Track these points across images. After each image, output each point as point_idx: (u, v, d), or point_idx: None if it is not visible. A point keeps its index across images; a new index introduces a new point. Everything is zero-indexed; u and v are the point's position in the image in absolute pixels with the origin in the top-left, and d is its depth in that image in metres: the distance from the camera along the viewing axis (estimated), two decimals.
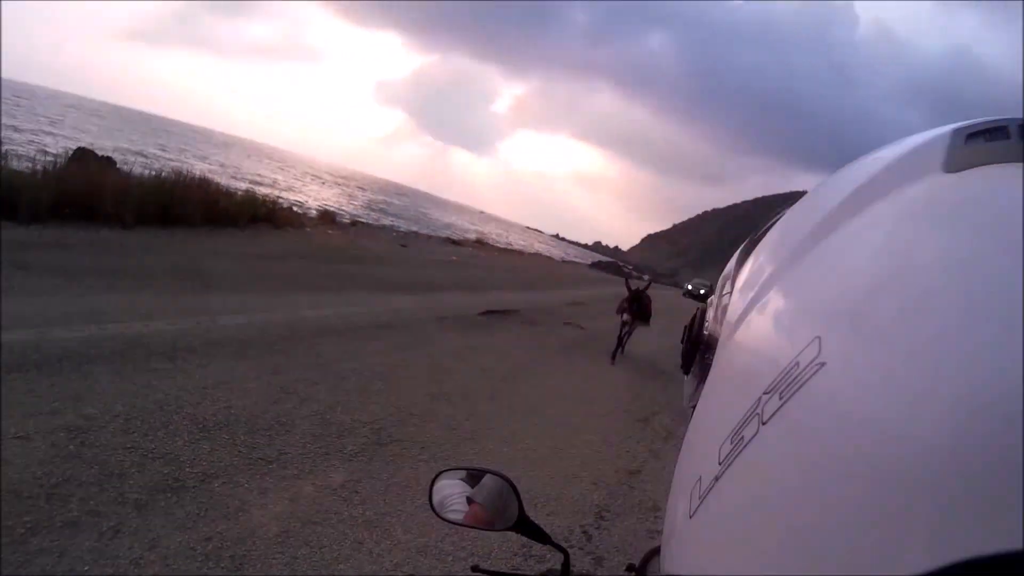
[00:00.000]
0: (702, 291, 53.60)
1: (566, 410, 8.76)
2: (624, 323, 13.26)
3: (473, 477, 1.55)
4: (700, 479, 0.57)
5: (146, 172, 13.49)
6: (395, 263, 17.48)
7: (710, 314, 0.74)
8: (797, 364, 0.49)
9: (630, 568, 1.48)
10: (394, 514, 4.75)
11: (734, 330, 0.66)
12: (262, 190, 18.94)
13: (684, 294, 57.49)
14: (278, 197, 18.57)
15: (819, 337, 0.49)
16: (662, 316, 15.16)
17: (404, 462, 5.67)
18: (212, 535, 3.83)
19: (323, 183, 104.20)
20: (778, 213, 0.85)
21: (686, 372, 0.75)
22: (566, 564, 1.49)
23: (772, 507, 0.45)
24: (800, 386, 0.47)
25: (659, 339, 17.12)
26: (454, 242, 32.41)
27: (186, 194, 13.17)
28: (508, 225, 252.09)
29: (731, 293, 0.72)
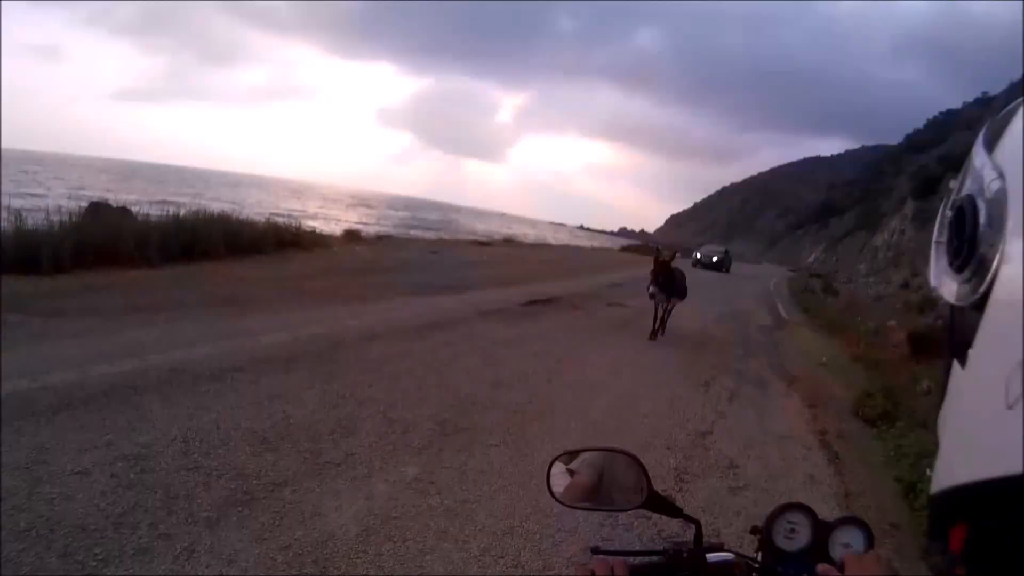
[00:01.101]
0: (715, 259, 48.62)
1: (625, 383, 8.73)
2: (651, 296, 12.38)
3: (589, 460, 1.47)
4: (1021, 363, 0.54)
5: (162, 216, 13.47)
6: (428, 269, 17.47)
7: (980, 204, 0.69)
8: None
9: (754, 531, 1.48)
10: (474, 500, 4.65)
11: None
12: (283, 220, 19.08)
13: (694, 264, 45.21)
14: (300, 224, 18.61)
15: None
16: (697, 289, 15.00)
17: (475, 449, 5.58)
18: (290, 543, 3.70)
19: (344, 206, 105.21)
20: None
21: (961, 269, 0.70)
22: (698, 534, 1.44)
23: None
24: None
25: (702, 308, 16.99)
26: (483, 243, 32.42)
27: (208, 230, 13.16)
28: (532, 223, 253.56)
29: (1000, 177, 0.67)
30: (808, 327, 19.39)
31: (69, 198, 15.18)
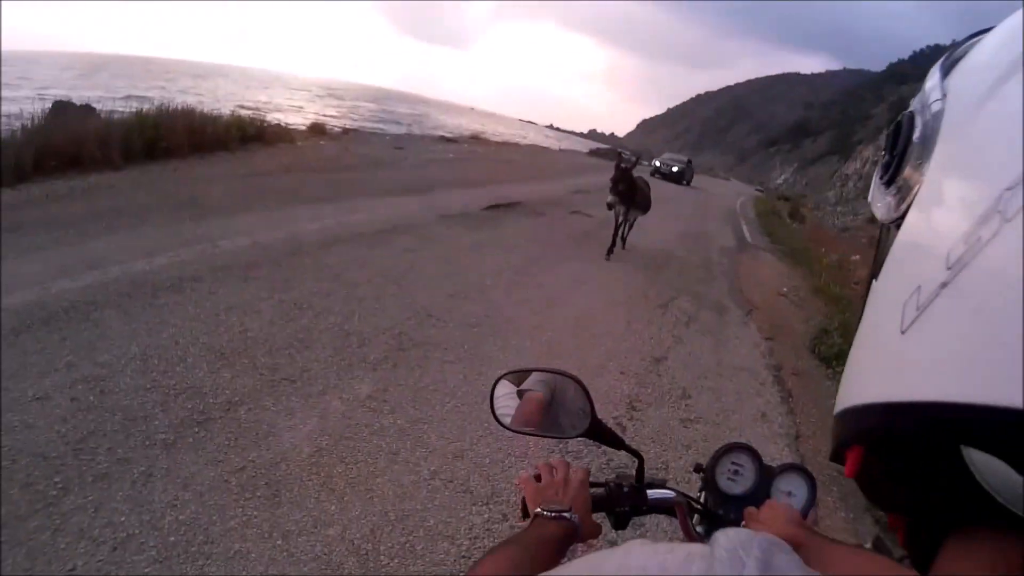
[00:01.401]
0: (675, 168, 44.17)
1: (584, 299, 8.79)
2: (609, 205, 11.73)
3: (538, 381, 1.45)
4: (919, 289, 0.55)
5: (127, 112, 13.17)
6: (392, 166, 17.22)
7: (917, 121, 0.68)
8: None
9: (698, 468, 1.54)
10: (425, 420, 4.76)
11: (964, 128, 0.61)
12: (249, 113, 18.70)
13: (653, 173, 40.83)
14: (264, 118, 18.25)
15: None
16: (663, 204, 14.90)
17: (429, 365, 5.68)
18: (244, 464, 3.82)
19: (312, 98, 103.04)
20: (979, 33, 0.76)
21: (889, 184, 0.71)
22: (640, 468, 1.43)
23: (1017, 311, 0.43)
24: None
25: (665, 225, 16.98)
26: (450, 140, 31.98)
27: (171, 126, 12.87)
28: (501, 120, 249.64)
29: (942, 99, 0.66)
30: (772, 253, 19.42)
31: (34, 99, 14.77)
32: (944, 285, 0.51)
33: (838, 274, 16.65)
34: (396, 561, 3.38)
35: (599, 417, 1.36)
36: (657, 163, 45.32)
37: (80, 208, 8.14)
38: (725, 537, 0.51)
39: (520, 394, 1.43)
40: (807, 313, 11.79)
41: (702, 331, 8.70)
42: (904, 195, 0.66)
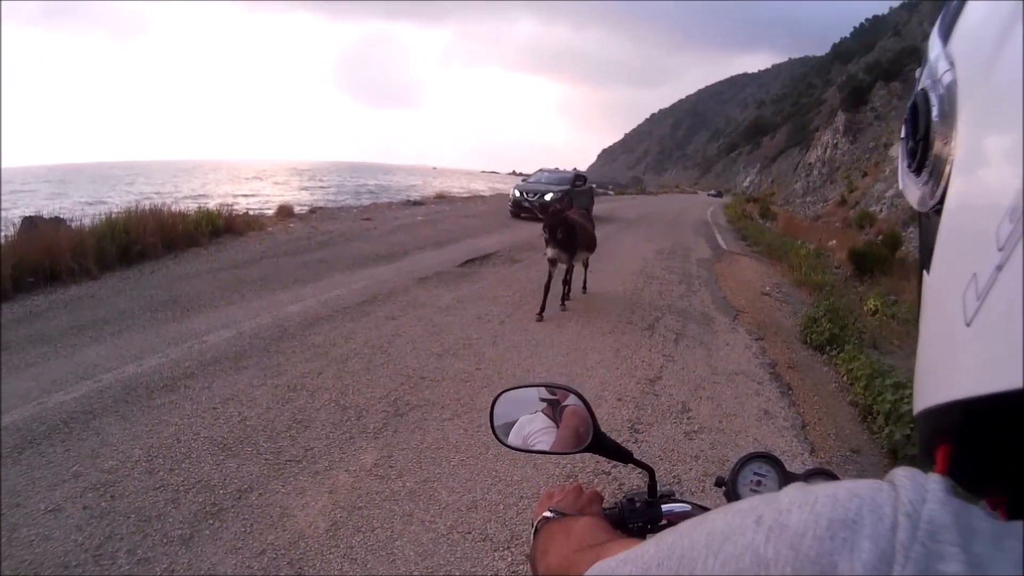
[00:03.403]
0: (547, 197, 25.81)
1: (569, 335, 8.87)
2: (551, 260, 9.97)
3: (538, 396, 1.41)
4: (975, 276, 0.52)
5: (96, 219, 13.15)
6: (363, 238, 17.16)
7: (932, 98, 0.64)
8: None
9: (719, 483, 1.44)
10: (434, 479, 4.80)
11: (980, 91, 0.58)
12: (217, 205, 18.70)
13: (515, 210, 26.68)
14: (232, 208, 18.25)
15: None
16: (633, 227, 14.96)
17: (429, 425, 5.73)
18: (264, 548, 3.86)
19: (278, 181, 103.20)
20: None
21: (919, 171, 0.67)
22: (652, 482, 1.41)
23: None
24: None
25: (638, 247, 17.06)
26: (416, 203, 32.07)
27: (141, 228, 12.86)
28: (464, 174, 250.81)
29: (951, 68, 0.63)
30: (749, 256, 19.60)
31: (6, 218, 14.87)
32: (1000, 268, 0.49)
33: (817, 262, 16.84)
34: None
35: (603, 430, 1.33)
36: (517, 193, 27.55)
37: (64, 321, 8.19)
38: (902, 470, 0.49)
39: (560, 411, 1.37)
40: (793, 307, 11.98)
41: (692, 344, 8.83)
42: (937, 180, 0.63)
